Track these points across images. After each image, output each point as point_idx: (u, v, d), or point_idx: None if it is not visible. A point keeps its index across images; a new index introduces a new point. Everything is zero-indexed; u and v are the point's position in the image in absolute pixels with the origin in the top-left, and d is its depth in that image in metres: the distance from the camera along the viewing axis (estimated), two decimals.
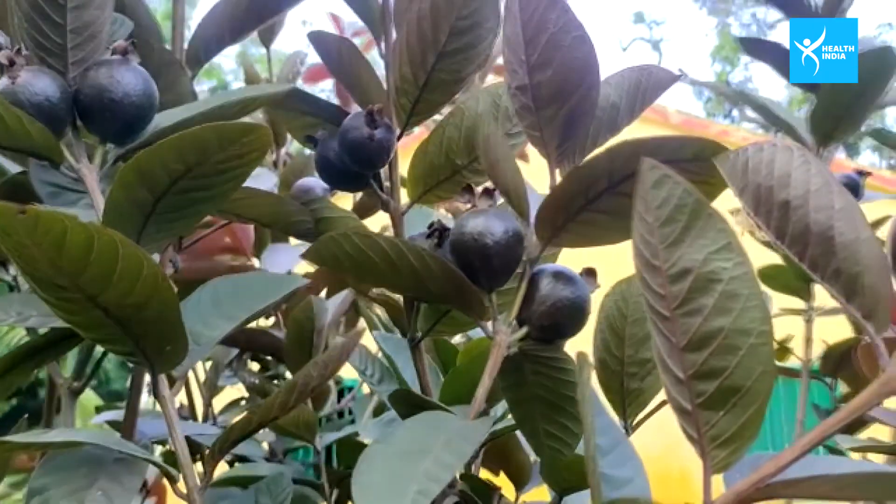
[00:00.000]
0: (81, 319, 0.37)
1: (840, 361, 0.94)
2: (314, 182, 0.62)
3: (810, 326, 1.07)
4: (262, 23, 0.58)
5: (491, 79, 1.25)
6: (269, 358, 1.09)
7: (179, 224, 0.43)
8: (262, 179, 0.57)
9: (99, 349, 0.68)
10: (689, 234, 0.26)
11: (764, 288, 1.12)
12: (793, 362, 1.12)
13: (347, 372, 1.06)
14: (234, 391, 1.11)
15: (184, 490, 0.41)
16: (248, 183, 0.49)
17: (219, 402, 1.05)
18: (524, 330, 0.41)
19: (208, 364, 1.01)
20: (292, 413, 0.64)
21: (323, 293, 0.83)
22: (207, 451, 0.41)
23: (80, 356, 0.65)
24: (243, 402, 1.08)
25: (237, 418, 0.42)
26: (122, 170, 0.37)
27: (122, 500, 0.36)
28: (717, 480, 0.29)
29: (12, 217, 0.30)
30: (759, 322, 0.26)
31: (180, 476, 0.41)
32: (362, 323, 0.91)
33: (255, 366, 1.11)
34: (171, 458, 0.56)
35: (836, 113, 0.73)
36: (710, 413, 0.27)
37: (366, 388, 1.00)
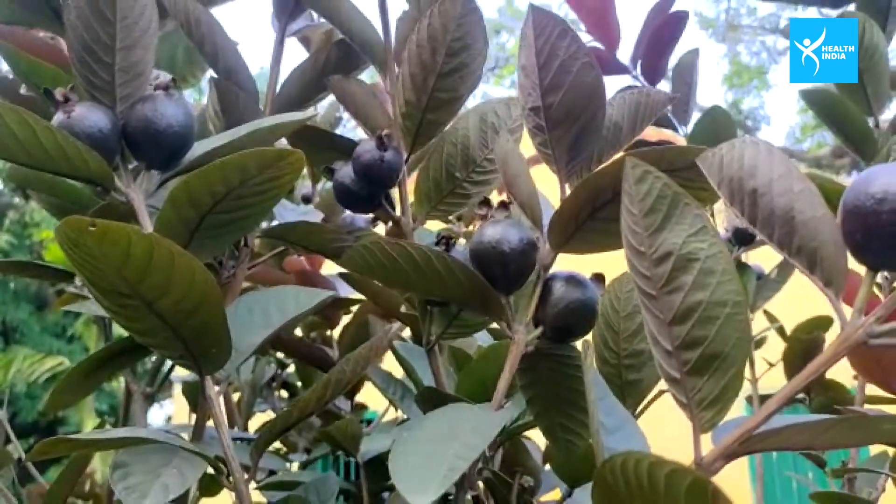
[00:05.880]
0: (139, 325, 0.40)
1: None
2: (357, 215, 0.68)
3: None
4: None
5: None
6: (298, 384, 1.14)
7: (220, 240, 0.47)
8: (311, 216, 0.64)
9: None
10: (670, 221, 0.30)
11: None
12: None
13: (373, 404, 1.11)
14: (264, 417, 1.16)
15: (231, 483, 0.44)
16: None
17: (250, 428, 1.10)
18: (539, 330, 0.44)
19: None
20: (342, 425, 0.69)
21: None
22: (253, 444, 0.44)
23: (154, 364, 0.69)
24: None
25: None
26: (172, 191, 0.41)
27: (193, 475, 0.40)
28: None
29: (83, 230, 0.34)
30: (734, 294, 0.29)
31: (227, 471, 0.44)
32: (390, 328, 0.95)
33: (283, 393, 1.17)
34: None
35: None
36: (695, 379, 0.31)
37: (386, 418, 1.05)
